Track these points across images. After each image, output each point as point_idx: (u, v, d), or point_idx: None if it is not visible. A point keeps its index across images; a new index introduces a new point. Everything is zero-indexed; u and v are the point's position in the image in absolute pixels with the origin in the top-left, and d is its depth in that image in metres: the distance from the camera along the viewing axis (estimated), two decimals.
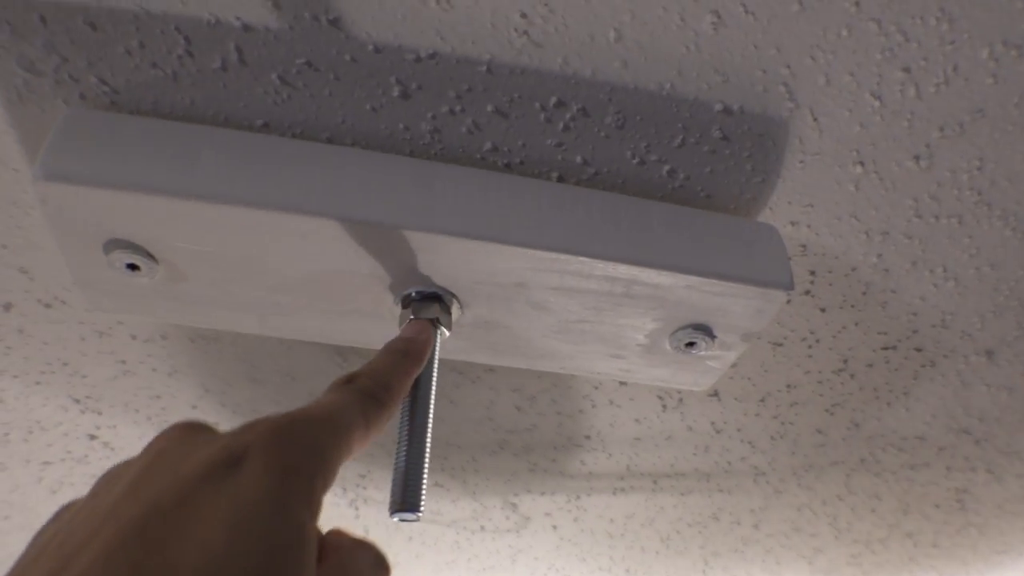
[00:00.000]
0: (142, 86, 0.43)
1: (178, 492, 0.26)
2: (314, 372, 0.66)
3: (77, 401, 0.73)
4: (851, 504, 0.93)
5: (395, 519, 0.39)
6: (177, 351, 0.65)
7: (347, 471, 0.83)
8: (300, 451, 0.29)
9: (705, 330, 0.48)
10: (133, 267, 0.45)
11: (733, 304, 0.46)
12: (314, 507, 0.28)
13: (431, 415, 0.41)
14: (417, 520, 0.39)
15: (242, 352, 0.64)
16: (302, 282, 0.46)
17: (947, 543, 1.08)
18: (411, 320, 0.44)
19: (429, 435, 0.40)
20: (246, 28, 0.40)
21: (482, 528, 0.94)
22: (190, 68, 0.42)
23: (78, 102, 0.44)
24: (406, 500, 0.38)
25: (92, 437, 0.78)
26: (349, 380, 0.36)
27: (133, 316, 0.58)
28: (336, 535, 0.32)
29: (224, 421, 0.74)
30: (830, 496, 0.90)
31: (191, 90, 0.43)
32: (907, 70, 0.42)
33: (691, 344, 0.49)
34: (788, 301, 0.58)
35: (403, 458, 0.39)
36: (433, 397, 0.42)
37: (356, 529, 0.95)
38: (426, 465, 0.39)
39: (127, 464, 0.30)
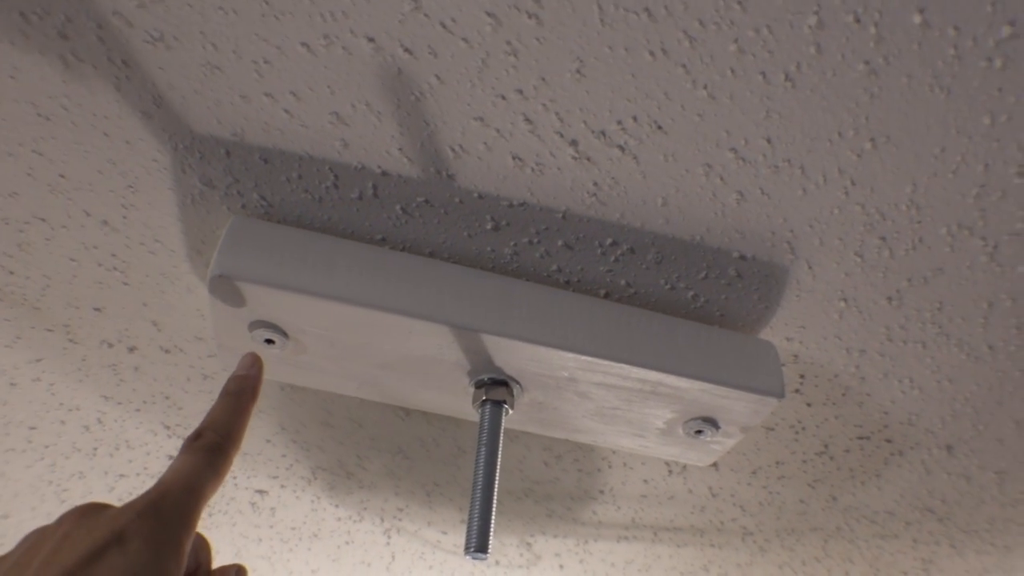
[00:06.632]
0: (293, 204, 0.56)
1: (81, 568, 0.36)
2: (379, 422, 0.78)
3: (167, 427, 0.85)
4: (827, 566, 1.04)
5: (468, 557, 0.51)
6: (266, 394, 0.77)
7: (386, 504, 0.95)
8: (167, 526, 0.39)
9: (712, 422, 0.61)
10: (269, 341, 0.57)
11: (735, 405, 0.58)
12: (182, 560, 0.39)
13: (497, 476, 0.54)
14: (485, 559, 0.51)
15: (321, 401, 0.76)
16: (398, 362, 0.58)
17: None
18: (245, 355, 0.51)
19: (496, 491, 0.53)
20: (384, 173, 0.53)
21: (497, 563, 1.06)
22: (333, 196, 0.55)
23: (239, 211, 0.57)
24: (480, 543, 0.50)
25: (171, 457, 0.90)
26: (197, 437, 0.45)
27: None
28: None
29: (291, 455, 0.86)
30: (809, 557, 1.02)
31: (330, 211, 0.56)
32: (883, 239, 0.55)
33: (699, 432, 0.62)
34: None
35: (476, 510, 0.52)
36: (499, 461, 0.54)
37: (383, 555, 1.07)
38: (494, 516, 0.52)
39: (42, 536, 0.40)
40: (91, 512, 0.40)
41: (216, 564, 0.47)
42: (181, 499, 0.41)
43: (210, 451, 0.45)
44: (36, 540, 0.40)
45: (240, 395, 0.50)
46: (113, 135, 0.53)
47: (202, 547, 0.45)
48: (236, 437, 0.48)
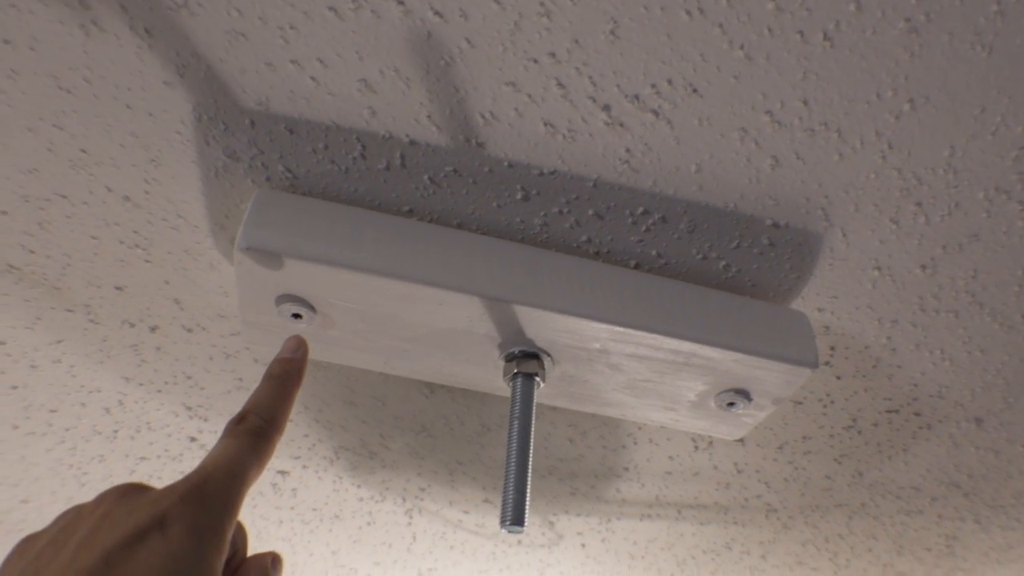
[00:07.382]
0: (318, 175, 0.55)
1: (121, 550, 0.35)
2: (402, 399, 0.78)
3: (189, 408, 0.84)
4: (851, 543, 1.04)
5: (503, 530, 0.50)
6: None
7: (409, 484, 0.94)
8: (210, 511, 0.38)
9: (744, 394, 0.60)
10: (297, 316, 0.56)
11: (769, 375, 0.58)
12: (224, 548, 0.38)
13: (531, 450, 0.53)
14: (521, 532, 0.50)
15: (344, 379, 0.76)
16: (428, 336, 0.57)
17: None
18: (289, 338, 0.51)
19: (531, 464, 0.52)
20: (412, 143, 0.52)
21: (519, 542, 1.06)
22: (360, 166, 0.54)
23: (264, 183, 0.56)
24: (516, 516, 0.49)
25: (192, 439, 0.90)
26: (240, 420, 0.44)
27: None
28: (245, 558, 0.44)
29: (313, 434, 0.86)
30: (832, 534, 1.01)
31: (357, 182, 0.55)
32: (919, 204, 0.54)
33: (731, 404, 0.61)
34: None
35: (512, 483, 0.51)
36: (532, 434, 0.54)
37: (404, 535, 1.07)
38: (529, 490, 0.51)
39: (79, 515, 0.39)
40: (132, 493, 0.39)
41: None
42: (224, 484, 0.40)
43: (254, 435, 0.44)
44: (73, 518, 0.39)
45: (285, 378, 0.49)
46: (136, 107, 0.52)
47: (239, 533, 0.44)
48: (280, 421, 0.46)
